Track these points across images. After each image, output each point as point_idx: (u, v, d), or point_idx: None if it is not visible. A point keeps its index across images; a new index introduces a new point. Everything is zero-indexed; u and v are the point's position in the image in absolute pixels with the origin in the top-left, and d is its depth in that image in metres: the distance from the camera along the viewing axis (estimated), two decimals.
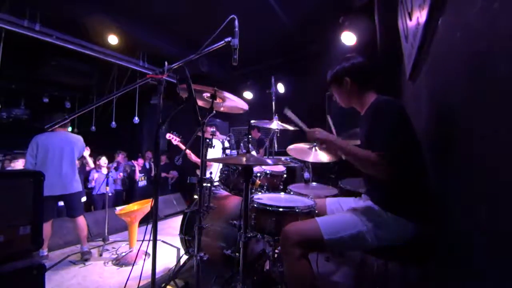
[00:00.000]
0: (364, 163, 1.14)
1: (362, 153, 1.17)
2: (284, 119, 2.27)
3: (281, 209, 1.46)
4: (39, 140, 2.74)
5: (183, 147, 3.09)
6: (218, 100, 1.73)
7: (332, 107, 4.60)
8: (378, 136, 1.15)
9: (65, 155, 2.84)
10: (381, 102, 1.24)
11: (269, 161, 1.51)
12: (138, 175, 5.24)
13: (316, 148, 2.06)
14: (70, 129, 9.21)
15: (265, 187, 2.17)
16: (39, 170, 2.66)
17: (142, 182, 5.04)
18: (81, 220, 2.86)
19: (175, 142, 3.02)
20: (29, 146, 2.70)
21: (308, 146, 2.11)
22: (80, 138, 3.01)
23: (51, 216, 2.75)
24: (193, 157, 3.13)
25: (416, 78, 1.78)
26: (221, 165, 2.21)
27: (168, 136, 3.00)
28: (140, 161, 5.33)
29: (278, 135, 3.03)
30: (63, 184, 2.78)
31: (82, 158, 3.57)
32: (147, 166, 5.51)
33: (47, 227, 2.68)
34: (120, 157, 5.68)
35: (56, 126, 1.09)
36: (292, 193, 1.94)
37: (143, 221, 3.18)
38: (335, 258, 2.44)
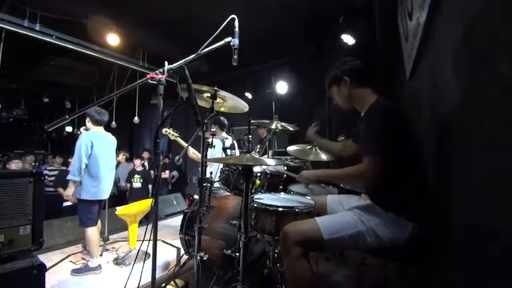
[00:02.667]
0: (351, 179, 1.24)
1: (344, 171, 1.26)
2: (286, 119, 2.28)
3: (281, 209, 1.46)
4: (93, 139, 2.47)
5: (181, 141, 3.05)
6: (218, 100, 1.73)
7: (332, 108, 4.61)
8: (370, 138, 1.18)
9: (112, 157, 2.72)
10: (377, 105, 1.26)
11: (269, 161, 1.51)
12: (135, 176, 5.20)
13: (316, 148, 2.06)
14: (70, 129, 9.23)
15: (265, 187, 2.16)
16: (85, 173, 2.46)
17: (136, 184, 4.96)
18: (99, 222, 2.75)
19: (172, 138, 2.99)
20: (81, 144, 2.42)
21: (308, 146, 2.11)
22: (115, 139, 2.84)
23: (96, 219, 2.57)
24: (191, 153, 3.06)
25: (416, 78, 1.78)
26: (221, 165, 2.20)
27: (165, 131, 2.94)
28: (137, 161, 5.27)
29: (278, 135, 3.04)
30: (110, 186, 2.68)
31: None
32: (144, 167, 5.44)
33: (95, 233, 2.50)
34: (120, 157, 5.66)
35: (57, 125, 1.09)
36: (292, 193, 1.94)
37: (143, 221, 3.19)
38: (335, 258, 2.44)
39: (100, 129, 2.64)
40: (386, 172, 1.11)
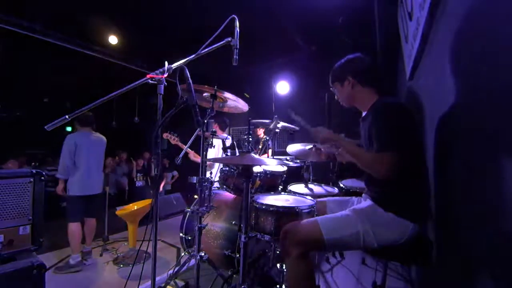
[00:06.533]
0: (367, 163, 1.15)
1: (366, 154, 1.20)
2: (287, 119, 2.27)
3: (281, 209, 1.46)
4: (76, 140, 2.69)
5: (182, 146, 3.04)
6: (218, 100, 1.73)
7: (332, 108, 4.61)
8: (384, 135, 1.13)
9: (98, 156, 2.87)
10: (387, 103, 1.23)
11: (269, 161, 1.51)
12: (135, 175, 5.22)
13: (316, 148, 2.06)
14: (70, 129, 9.22)
15: (265, 187, 2.16)
16: (70, 171, 2.69)
17: (139, 182, 5.00)
18: (95, 221, 2.90)
19: (173, 142, 2.99)
20: (64, 146, 2.65)
21: (308, 147, 2.11)
22: (105, 139, 3.00)
23: (80, 216, 2.73)
24: (192, 156, 3.09)
25: (416, 78, 1.78)
26: (221, 165, 2.20)
27: (166, 135, 2.97)
28: (140, 161, 5.32)
29: (278, 135, 3.04)
30: (94, 184, 2.81)
31: None
32: (146, 166, 5.50)
33: (76, 228, 2.64)
34: (121, 157, 5.68)
35: (57, 125, 1.08)
36: (292, 193, 1.94)
37: (143, 221, 3.18)
38: (335, 258, 2.44)
39: (87, 129, 2.82)
40: (398, 171, 1.07)
